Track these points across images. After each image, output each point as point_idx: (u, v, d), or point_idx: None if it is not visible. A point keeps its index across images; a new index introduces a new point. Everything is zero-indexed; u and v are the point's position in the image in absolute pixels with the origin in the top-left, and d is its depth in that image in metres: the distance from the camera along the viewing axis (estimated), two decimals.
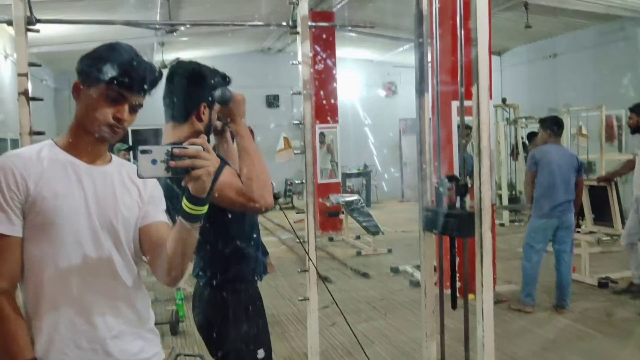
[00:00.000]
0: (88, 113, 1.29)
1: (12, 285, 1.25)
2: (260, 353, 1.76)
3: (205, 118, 1.78)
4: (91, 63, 1.29)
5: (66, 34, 8.04)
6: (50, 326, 1.25)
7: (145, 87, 1.30)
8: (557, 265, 4.52)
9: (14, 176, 1.23)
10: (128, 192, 1.36)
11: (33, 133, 2.40)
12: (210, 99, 1.76)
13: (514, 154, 9.58)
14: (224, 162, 1.65)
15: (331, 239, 8.30)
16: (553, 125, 4.71)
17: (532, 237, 4.52)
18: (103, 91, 1.27)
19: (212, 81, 1.77)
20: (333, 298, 2.52)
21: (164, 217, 1.42)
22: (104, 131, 1.29)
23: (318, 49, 8.61)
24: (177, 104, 1.76)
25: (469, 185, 2.26)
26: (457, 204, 2.26)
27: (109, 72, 1.25)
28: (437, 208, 2.35)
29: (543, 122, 4.84)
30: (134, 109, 1.31)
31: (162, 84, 1.51)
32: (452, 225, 2.25)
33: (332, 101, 8.95)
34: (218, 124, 1.84)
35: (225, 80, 1.83)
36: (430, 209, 2.41)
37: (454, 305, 2.34)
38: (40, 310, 1.26)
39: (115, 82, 1.26)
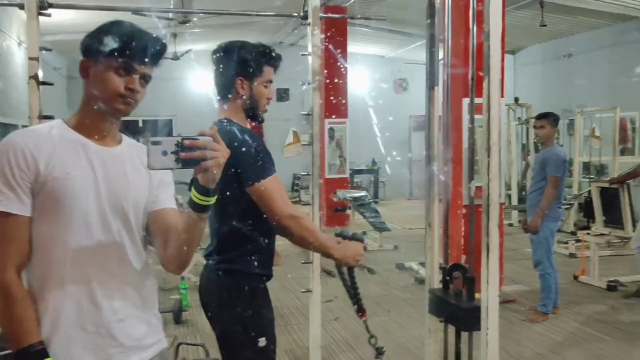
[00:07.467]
0: (99, 87, 1.27)
1: (21, 267, 1.24)
2: (262, 341, 1.75)
3: (245, 92, 1.80)
4: (96, 38, 1.28)
5: (79, 22, 8.07)
6: (55, 308, 1.24)
7: (151, 56, 1.29)
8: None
9: (24, 155, 1.21)
10: (139, 175, 1.35)
11: (42, 117, 2.40)
12: (247, 72, 1.78)
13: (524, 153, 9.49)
14: (272, 167, 1.71)
15: None
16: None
17: (551, 241, 4.32)
18: (111, 63, 1.26)
19: (246, 54, 1.78)
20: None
21: (173, 204, 1.41)
22: (116, 103, 1.28)
23: (329, 43, 8.57)
24: (217, 82, 1.84)
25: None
26: (464, 295, 2.18)
27: (115, 43, 1.24)
28: (442, 293, 2.29)
29: (555, 118, 4.44)
30: (143, 80, 1.30)
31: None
32: (457, 317, 2.19)
33: (342, 96, 8.90)
34: None
35: (266, 52, 1.82)
36: (435, 292, 2.34)
37: None
38: (46, 291, 1.24)
39: (121, 52, 1.25)
